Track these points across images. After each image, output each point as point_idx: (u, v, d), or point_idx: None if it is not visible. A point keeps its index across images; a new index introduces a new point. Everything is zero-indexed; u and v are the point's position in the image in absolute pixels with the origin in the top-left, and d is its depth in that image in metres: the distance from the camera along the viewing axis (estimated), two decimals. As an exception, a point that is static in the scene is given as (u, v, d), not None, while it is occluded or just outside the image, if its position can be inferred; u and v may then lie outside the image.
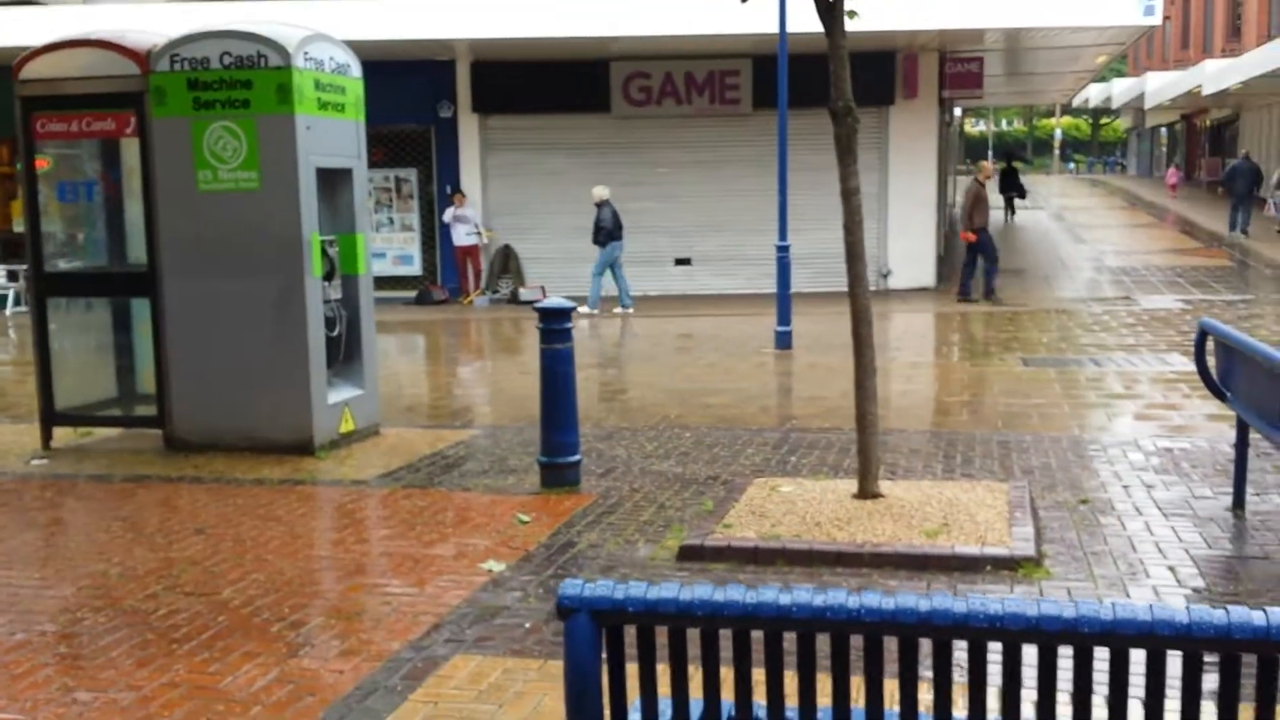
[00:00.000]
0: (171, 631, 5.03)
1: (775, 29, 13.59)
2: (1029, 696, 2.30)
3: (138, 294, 8.79)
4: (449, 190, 20.31)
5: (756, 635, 2.34)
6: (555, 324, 7.18)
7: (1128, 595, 5.33)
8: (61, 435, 8.99)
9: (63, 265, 9.24)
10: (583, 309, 17.73)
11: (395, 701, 4.32)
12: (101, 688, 4.45)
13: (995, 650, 2.27)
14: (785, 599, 2.25)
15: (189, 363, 8.49)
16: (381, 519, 6.89)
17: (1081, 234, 29.59)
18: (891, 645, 2.31)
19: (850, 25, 6.49)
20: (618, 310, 18.03)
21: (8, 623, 5.16)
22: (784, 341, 13.63)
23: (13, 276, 19.04)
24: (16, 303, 18.80)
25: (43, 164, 9.12)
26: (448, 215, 19.68)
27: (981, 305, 17.46)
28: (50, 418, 8.85)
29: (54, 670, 4.63)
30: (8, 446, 8.92)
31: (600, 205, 17.94)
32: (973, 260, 17.97)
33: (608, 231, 17.85)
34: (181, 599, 5.44)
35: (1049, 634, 2.17)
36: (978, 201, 17.62)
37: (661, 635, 2.39)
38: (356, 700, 4.34)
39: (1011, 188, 34.44)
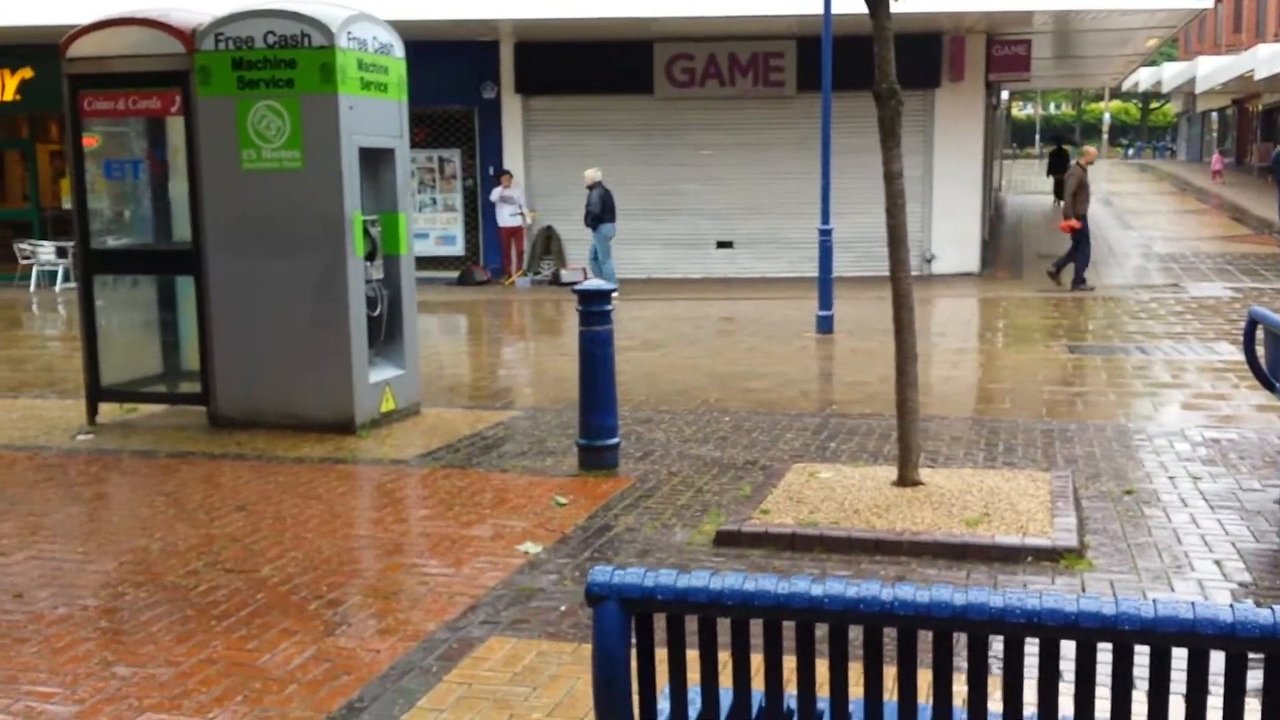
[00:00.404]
0: (210, 608, 5.06)
1: (820, 10, 13.45)
2: (1067, 692, 2.25)
3: (183, 272, 8.86)
4: (491, 171, 20.33)
5: (789, 626, 2.31)
6: (595, 306, 7.16)
7: (1172, 589, 5.25)
8: (107, 411, 9.09)
9: (109, 243, 9.32)
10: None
11: (430, 682, 4.33)
12: (140, 663, 4.49)
13: (1034, 646, 2.22)
14: (817, 590, 2.22)
15: (232, 341, 8.55)
16: (420, 499, 6.91)
17: (1129, 220, 29.18)
18: (926, 638, 2.27)
19: (896, 7, 6.40)
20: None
21: (50, 597, 5.22)
22: (825, 326, 13.54)
23: (62, 253, 19.28)
24: (66, 279, 19.03)
25: (91, 142, 9.20)
26: (494, 195, 19.69)
27: (1066, 291, 17.05)
28: (96, 393, 8.95)
29: (94, 645, 4.68)
30: (54, 421, 9.02)
31: (591, 188, 17.81)
32: (1078, 247, 17.36)
33: (595, 215, 17.65)
34: (221, 575, 5.47)
35: (1087, 630, 2.12)
36: (1081, 188, 17.13)
37: (692, 624, 2.36)
38: (392, 680, 4.35)
39: (1060, 171, 34.22)
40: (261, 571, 5.53)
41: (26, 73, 20.49)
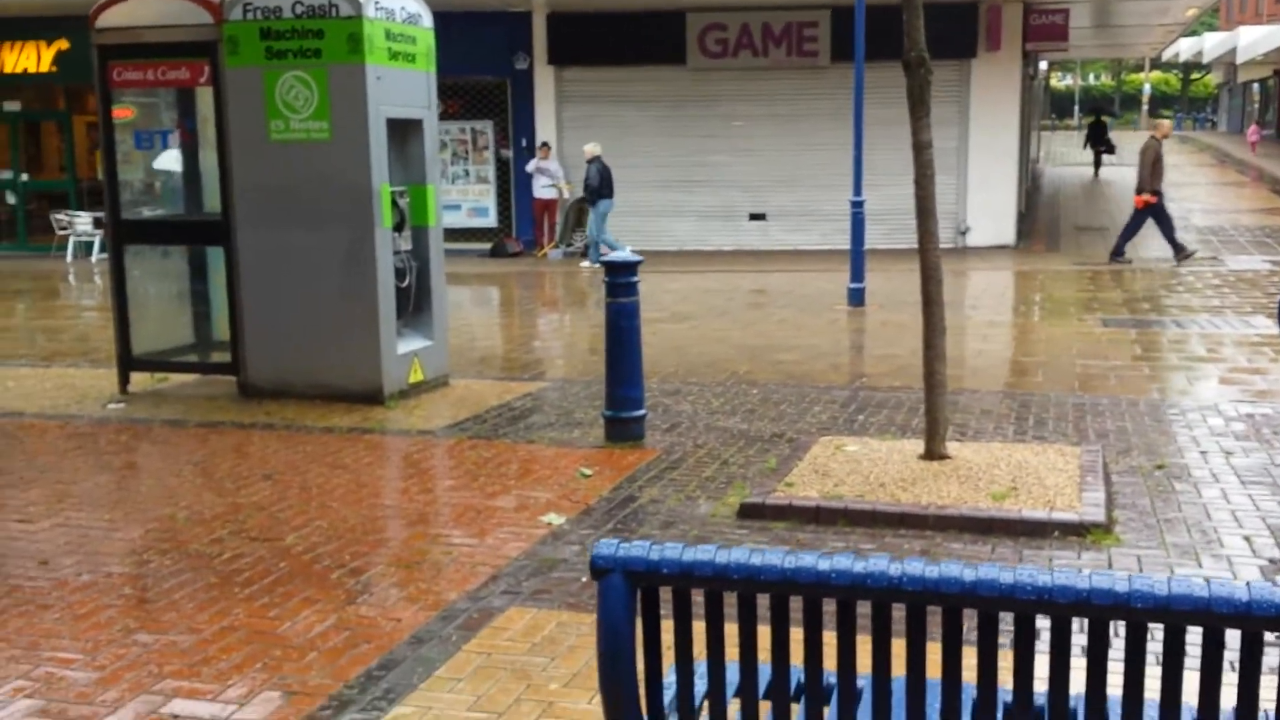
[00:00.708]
0: (234, 576, 5.09)
1: (854, -21, 13.28)
2: (1079, 668, 2.21)
3: (213, 243, 8.89)
4: (524, 143, 20.28)
5: (796, 601, 2.27)
6: (621, 278, 7.12)
7: (1200, 565, 5.17)
8: (139, 380, 9.15)
9: (141, 213, 9.36)
10: (585, 263, 17.92)
11: (449, 651, 4.33)
12: (162, 630, 4.52)
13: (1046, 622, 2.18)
14: (824, 565, 2.18)
15: (262, 311, 8.58)
16: (446, 469, 6.92)
17: (1168, 192, 28.73)
18: (935, 615, 2.22)
19: (927, -26, 6.29)
20: (585, 264, 18.03)
21: (75, 564, 5.26)
22: (857, 298, 13.44)
23: (98, 224, 19.42)
24: (102, 250, 19.19)
25: (126, 113, 9.23)
26: (530, 166, 19.63)
27: (1129, 266, 16.72)
28: (127, 363, 9.01)
29: (117, 611, 4.71)
30: (86, 390, 9.10)
31: (590, 162, 17.82)
32: (1142, 223, 16.87)
33: (594, 190, 17.68)
34: (246, 544, 5.50)
35: (1099, 608, 2.07)
36: (1157, 160, 16.65)
37: (698, 598, 2.33)
38: (411, 649, 4.35)
39: (1099, 142, 33.92)
40: (286, 540, 5.55)
41: (62, 44, 20.59)
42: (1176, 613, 2.03)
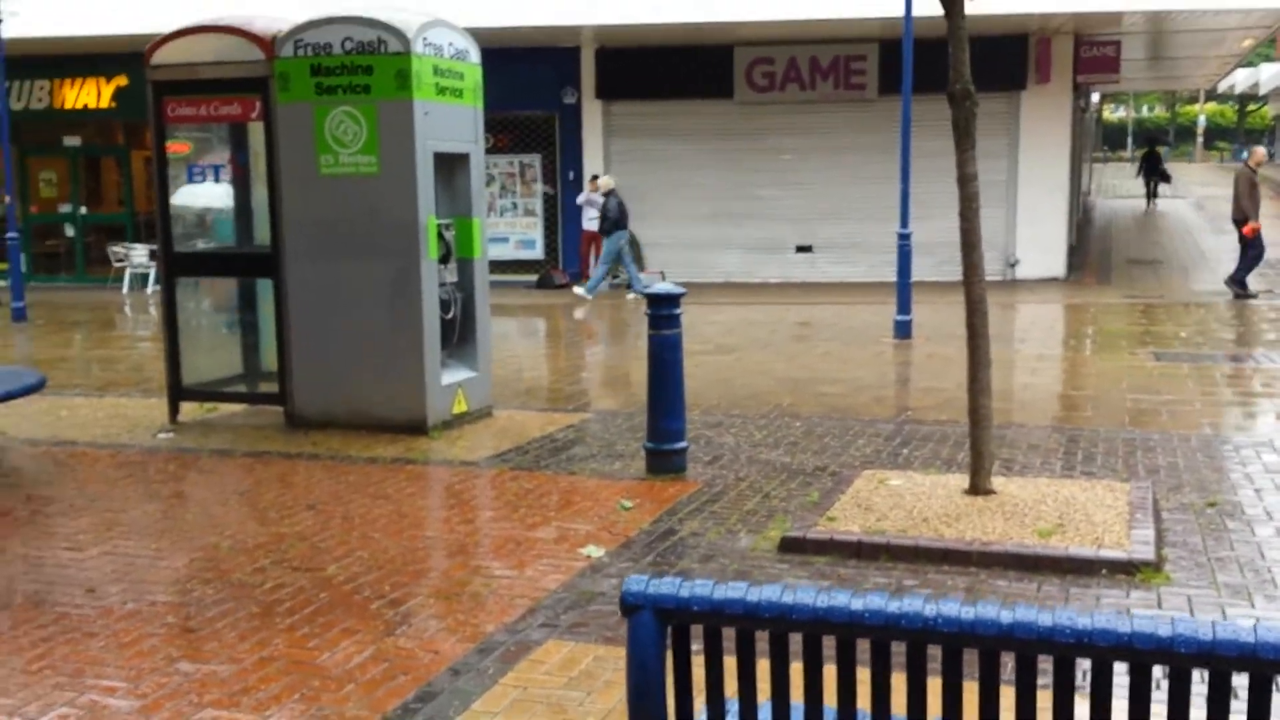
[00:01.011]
0: (275, 606, 5.10)
1: (902, 12, 13.26)
2: (1121, 710, 2.14)
3: (262, 275, 8.98)
4: (571, 175, 20.40)
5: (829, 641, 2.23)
6: (664, 310, 7.11)
7: (1252, 605, 5.04)
8: (188, 410, 9.25)
9: (194, 246, 9.49)
10: (578, 290, 17.87)
11: (486, 684, 4.30)
12: (204, 659, 4.53)
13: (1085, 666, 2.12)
14: (858, 604, 2.13)
15: (309, 342, 8.65)
16: (487, 500, 6.91)
17: (1223, 224, 28.31)
18: (972, 657, 2.17)
19: (981, 8, 6.28)
20: (630, 296, 18.05)
21: (120, 592, 5.30)
22: (903, 331, 13.34)
23: (154, 256, 19.72)
24: (159, 282, 19.45)
25: (181, 148, 9.38)
26: (581, 198, 19.76)
27: (1253, 299, 16.42)
28: (178, 393, 9.11)
29: (159, 640, 4.73)
30: (137, 420, 9.20)
31: (607, 195, 18.13)
32: (1259, 250, 16.53)
33: (613, 221, 17.98)
34: (288, 574, 5.52)
35: (1141, 652, 2.01)
36: (1253, 189, 16.43)
37: (730, 635, 2.29)
38: (448, 681, 4.33)
39: (1154, 173, 33.89)
40: (327, 570, 5.56)
41: (121, 80, 21.02)
42: (1222, 658, 1.97)
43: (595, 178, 19.76)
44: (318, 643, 4.69)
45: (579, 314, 16.97)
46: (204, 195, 9.54)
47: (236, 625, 4.88)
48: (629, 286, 19.40)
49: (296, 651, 4.60)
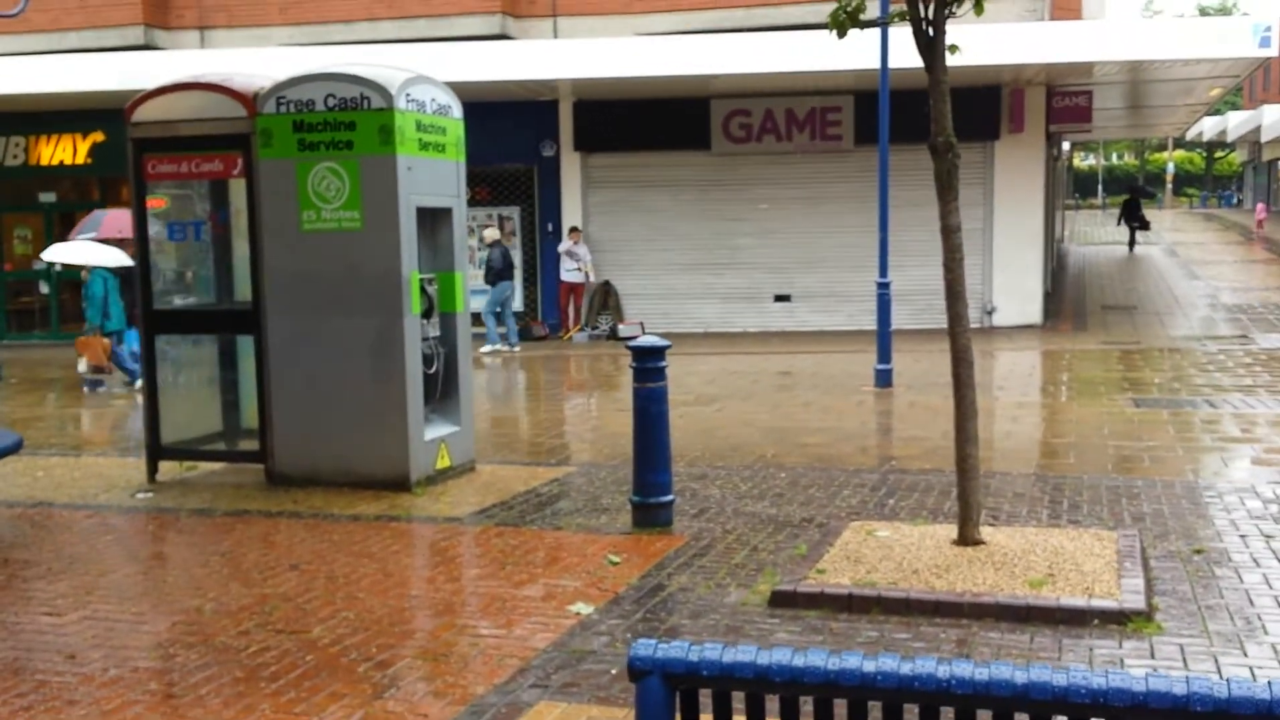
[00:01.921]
0: (260, 670, 5.02)
1: (877, 65, 13.41)
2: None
3: (243, 331, 8.92)
4: (549, 228, 20.47)
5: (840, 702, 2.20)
6: (649, 362, 7.10)
7: (1245, 654, 5.03)
8: (167, 469, 9.15)
9: (173, 302, 9.44)
10: (484, 349, 17.87)
11: (478, 748, 4.23)
12: (189, 726, 4.44)
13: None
14: (870, 666, 2.11)
15: (290, 399, 8.59)
16: (473, 557, 6.85)
17: (1196, 270, 28.67)
18: (986, 716, 2.15)
19: (955, 60, 6.33)
20: (502, 348, 18.20)
21: (102, 658, 5.20)
22: (884, 380, 13.37)
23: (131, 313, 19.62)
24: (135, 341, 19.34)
25: (159, 204, 9.34)
26: (563, 247, 19.86)
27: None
28: (156, 452, 9.02)
29: (143, 708, 4.64)
30: (115, 479, 9.10)
31: (491, 246, 18.55)
32: None
33: (497, 271, 18.39)
34: (272, 636, 5.43)
35: (1156, 711, 1.99)
36: None
37: (739, 699, 2.26)
38: (439, 746, 4.26)
39: (1134, 219, 34.76)
40: (312, 632, 5.48)
41: (98, 136, 21.00)
42: (1238, 716, 1.95)
43: (575, 229, 19.83)
44: (304, 708, 4.61)
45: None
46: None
47: (221, 691, 4.80)
48: (609, 334, 19.42)
49: (283, 717, 4.52)
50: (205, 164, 8.76)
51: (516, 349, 18.37)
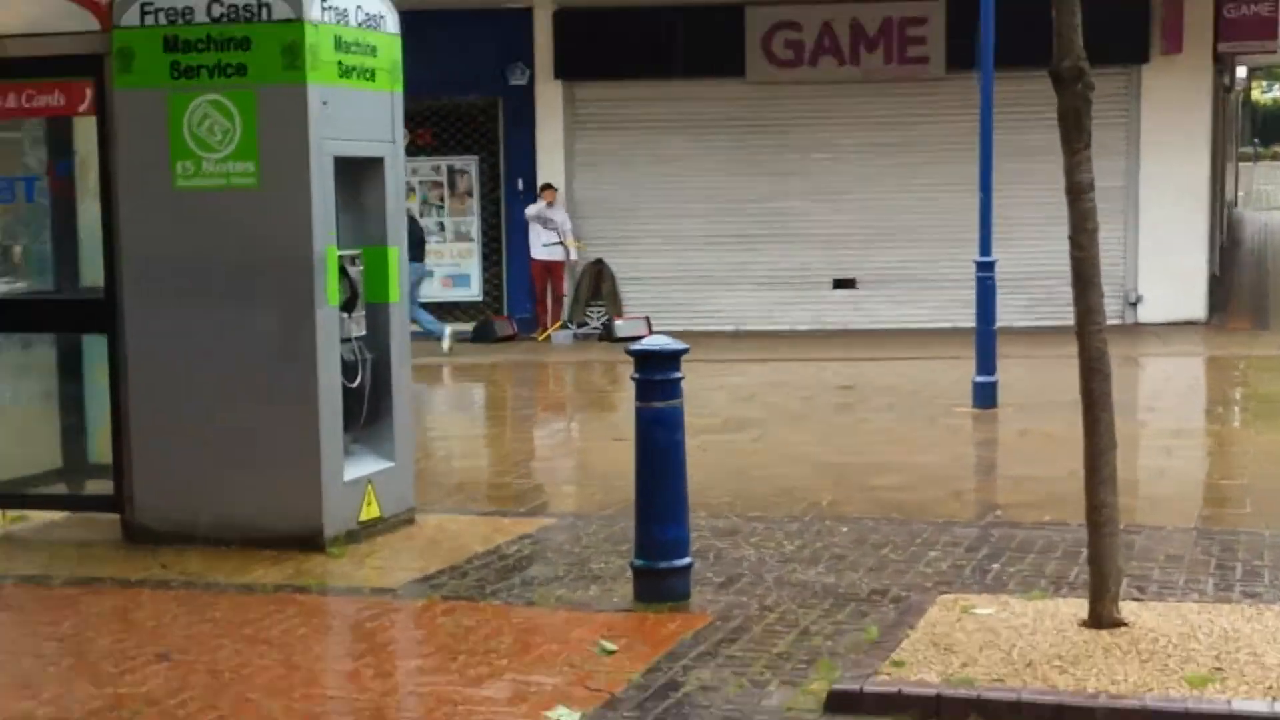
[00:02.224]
0: (114, 800, 5.04)
1: (976, -43, 13.49)
2: None
3: (91, 329, 8.96)
4: (520, 185, 20.50)
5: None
6: (657, 373, 7.13)
7: None
8: (-13, 520, 9.21)
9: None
10: (444, 344, 18.31)
11: None
12: None
13: None
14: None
15: (158, 423, 8.61)
16: (413, 644, 6.90)
17: None
18: None
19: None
20: (447, 341, 18.58)
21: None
22: (986, 397, 13.42)
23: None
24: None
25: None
26: (531, 211, 19.73)
27: None
28: (-32, 497, 9.08)
29: None
30: (-86, 535, 9.16)
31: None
32: None
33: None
34: (132, 754, 5.47)
35: None
36: None
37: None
38: None
39: None
40: (188, 748, 5.52)
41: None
42: None
43: (548, 188, 19.80)
44: None
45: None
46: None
47: (60, 828, 4.82)
48: (604, 334, 19.49)
49: None
50: (40, 96, 8.81)
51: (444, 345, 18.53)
